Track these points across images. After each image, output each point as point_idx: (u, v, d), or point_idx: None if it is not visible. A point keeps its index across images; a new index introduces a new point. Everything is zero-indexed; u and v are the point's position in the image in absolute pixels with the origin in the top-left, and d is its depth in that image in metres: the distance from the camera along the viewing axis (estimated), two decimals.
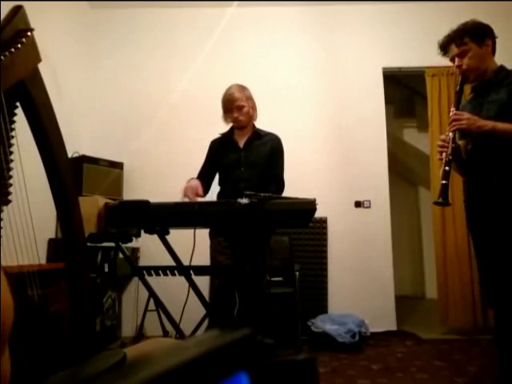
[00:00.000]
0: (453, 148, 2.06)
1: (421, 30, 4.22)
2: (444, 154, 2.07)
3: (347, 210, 4.08)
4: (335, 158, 4.16)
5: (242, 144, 2.69)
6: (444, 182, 2.02)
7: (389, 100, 4.48)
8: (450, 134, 2.08)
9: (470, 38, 2.10)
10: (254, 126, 2.73)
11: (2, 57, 0.65)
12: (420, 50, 4.18)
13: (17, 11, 0.72)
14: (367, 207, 4.09)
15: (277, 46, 4.32)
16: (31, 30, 0.73)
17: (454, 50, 2.14)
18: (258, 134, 2.72)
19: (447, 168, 2.04)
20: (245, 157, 2.66)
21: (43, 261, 3.20)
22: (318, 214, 2.17)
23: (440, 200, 2.04)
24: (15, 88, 0.73)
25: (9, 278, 0.56)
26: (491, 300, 2.13)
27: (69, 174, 0.87)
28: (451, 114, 2.11)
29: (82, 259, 0.88)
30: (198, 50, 4.27)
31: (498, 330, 2.14)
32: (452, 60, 2.19)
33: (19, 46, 0.69)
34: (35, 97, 0.79)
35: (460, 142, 2.18)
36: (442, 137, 2.13)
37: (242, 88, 2.67)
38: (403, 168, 5.98)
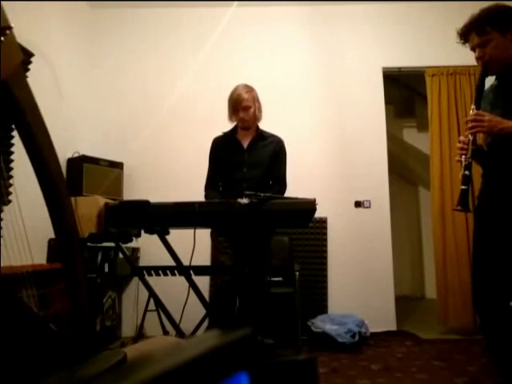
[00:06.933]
0: (473, 150, 1.90)
1: (421, 30, 4.22)
2: (463, 157, 1.92)
3: (347, 210, 4.08)
4: (335, 157, 4.16)
5: (246, 144, 2.68)
6: (463, 187, 1.88)
7: (389, 100, 4.48)
8: (470, 136, 1.91)
9: (492, 26, 1.88)
10: (258, 126, 2.73)
11: None
12: (420, 50, 4.18)
13: None
14: (367, 207, 4.08)
15: (276, 46, 4.32)
16: (10, 27, 0.71)
17: (475, 39, 1.93)
18: (262, 135, 2.71)
19: (467, 172, 1.89)
20: (248, 157, 2.65)
21: (43, 261, 3.19)
22: (318, 214, 2.17)
23: (459, 208, 1.90)
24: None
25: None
26: (482, 305, 1.93)
27: (59, 174, 0.86)
28: (471, 112, 1.93)
29: (77, 259, 0.88)
30: (198, 50, 4.27)
31: (488, 338, 2.00)
32: (473, 49, 1.97)
33: None
34: (19, 96, 0.76)
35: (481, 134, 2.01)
36: (462, 138, 1.97)
37: (250, 89, 2.66)
38: (403, 168, 5.98)
